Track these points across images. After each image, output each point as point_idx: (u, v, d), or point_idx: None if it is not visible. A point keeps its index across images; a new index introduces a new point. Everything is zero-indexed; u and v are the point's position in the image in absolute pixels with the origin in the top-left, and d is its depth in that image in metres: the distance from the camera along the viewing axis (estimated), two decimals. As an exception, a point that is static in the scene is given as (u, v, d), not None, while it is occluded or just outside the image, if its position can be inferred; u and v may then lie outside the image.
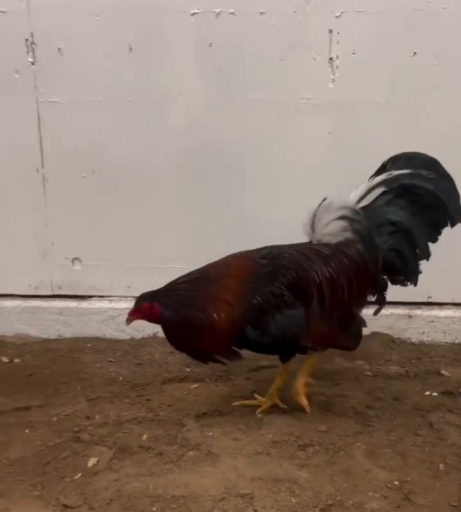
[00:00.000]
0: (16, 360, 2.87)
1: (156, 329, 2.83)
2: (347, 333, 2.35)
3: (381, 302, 2.42)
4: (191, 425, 2.30)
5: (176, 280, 2.29)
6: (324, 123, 2.82)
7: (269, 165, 2.86)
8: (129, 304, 2.39)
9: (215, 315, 2.19)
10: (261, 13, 2.73)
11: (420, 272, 2.40)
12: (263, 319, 2.21)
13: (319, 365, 2.72)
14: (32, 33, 2.81)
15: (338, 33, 2.73)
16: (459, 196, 2.36)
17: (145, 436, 2.24)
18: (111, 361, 2.85)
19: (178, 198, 2.94)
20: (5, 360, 2.88)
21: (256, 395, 2.49)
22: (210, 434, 2.25)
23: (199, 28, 2.76)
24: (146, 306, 2.23)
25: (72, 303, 3.07)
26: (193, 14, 2.74)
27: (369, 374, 2.71)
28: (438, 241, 2.38)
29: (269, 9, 2.72)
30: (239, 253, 2.34)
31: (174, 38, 2.78)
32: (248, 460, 2.11)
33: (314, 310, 2.25)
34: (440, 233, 2.38)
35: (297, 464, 2.09)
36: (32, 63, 2.85)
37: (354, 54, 2.76)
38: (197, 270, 2.30)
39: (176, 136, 2.87)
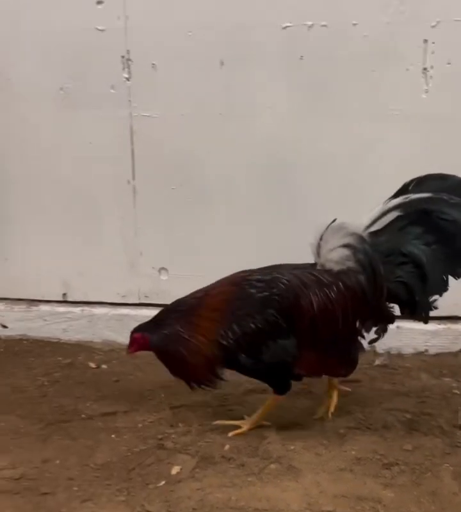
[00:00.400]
0: (104, 366, 2.96)
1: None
2: (342, 360, 2.30)
3: (380, 332, 2.32)
4: (272, 437, 2.29)
5: (163, 308, 2.36)
6: (416, 135, 2.77)
7: (357, 178, 2.83)
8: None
9: (195, 344, 2.21)
10: (354, 24, 2.72)
11: (432, 309, 2.26)
12: (256, 346, 2.20)
13: (406, 381, 2.67)
14: (128, 50, 2.91)
15: (433, 43, 2.69)
16: None
17: (227, 447, 2.25)
18: (194, 370, 2.88)
19: (265, 211, 2.96)
20: (93, 365, 2.97)
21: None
22: (292, 447, 2.23)
23: (290, 41, 2.78)
24: (138, 337, 2.32)
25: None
26: (284, 28, 2.76)
27: (457, 392, 2.61)
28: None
29: (362, 21, 2.71)
30: (233, 275, 2.34)
31: (265, 52, 2.81)
32: (330, 476, 2.07)
33: (306, 339, 2.21)
34: None
35: (381, 483, 2.04)
36: (127, 79, 2.95)
37: (449, 63, 2.70)
38: (181, 299, 2.33)
39: (264, 149, 2.89)
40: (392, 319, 2.31)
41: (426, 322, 2.32)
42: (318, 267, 2.28)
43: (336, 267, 2.24)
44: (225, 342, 2.20)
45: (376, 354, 2.92)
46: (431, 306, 2.26)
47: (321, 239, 2.27)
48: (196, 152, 2.96)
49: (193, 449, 2.24)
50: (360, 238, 2.21)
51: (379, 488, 2.02)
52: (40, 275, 3.22)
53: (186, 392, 2.64)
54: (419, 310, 2.27)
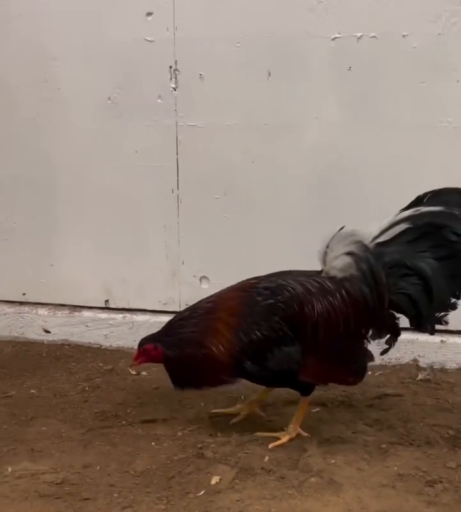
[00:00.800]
0: (144, 373, 2.97)
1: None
2: (348, 368, 2.29)
3: (390, 342, 2.30)
4: (312, 450, 2.27)
5: (173, 318, 2.39)
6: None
7: (404, 189, 2.77)
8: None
9: (213, 349, 2.23)
10: (404, 36, 2.70)
11: (441, 323, 2.23)
12: (261, 354, 2.22)
13: (449, 396, 2.62)
14: (176, 60, 2.95)
15: (485, 54, 2.65)
16: None
17: (266, 458, 2.23)
18: (234, 380, 2.87)
19: (308, 221, 2.94)
20: (133, 372, 2.98)
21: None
22: (333, 461, 2.20)
23: (339, 52, 2.78)
24: (151, 347, 2.33)
25: (198, 320, 3.14)
26: (333, 39, 2.77)
27: (502, 409, 2.56)
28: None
29: (412, 32, 2.70)
30: (239, 283, 2.36)
31: (313, 63, 2.82)
32: (372, 492, 2.04)
33: (310, 345, 2.21)
34: None
35: (424, 500, 2.00)
36: (174, 89, 2.99)
37: (501, 75, 2.66)
38: (194, 305, 2.38)
39: (309, 159, 2.90)
40: (397, 330, 2.30)
41: (432, 333, 2.31)
42: (323, 274, 2.30)
43: (340, 275, 2.26)
44: (232, 349, 2.23)
45: (419, 368, 2.89)
46: (438, 319, 2.25)
47: (327, 246, 2.28)
48: (241, 162, 2.98)
49: (233, 460, 2.23)
50: (364, 246, 2.23)
51: (422, 505, 1.98)
52: (83, 282, 3.27)
53: (225, 401, 2.66)
54: (424, 323, 2.26)
